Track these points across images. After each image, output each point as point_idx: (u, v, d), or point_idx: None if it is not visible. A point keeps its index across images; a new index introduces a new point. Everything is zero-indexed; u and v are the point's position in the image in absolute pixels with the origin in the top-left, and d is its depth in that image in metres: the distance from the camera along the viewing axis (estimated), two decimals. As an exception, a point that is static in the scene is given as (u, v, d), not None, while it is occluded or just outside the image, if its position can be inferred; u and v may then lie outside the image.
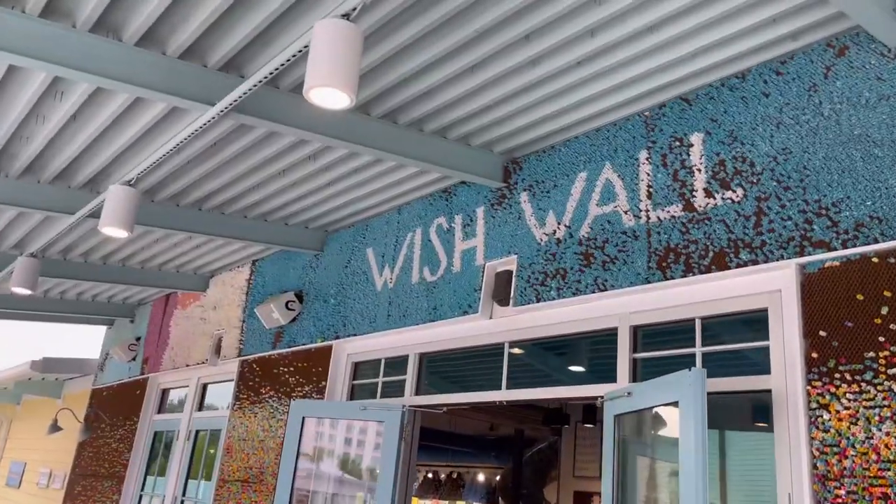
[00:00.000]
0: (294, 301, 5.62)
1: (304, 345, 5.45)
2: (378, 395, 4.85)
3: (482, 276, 4.14)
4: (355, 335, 5.01)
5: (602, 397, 3.34)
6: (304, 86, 2.44)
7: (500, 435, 10.92)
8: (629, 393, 3.07)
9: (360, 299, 5.06)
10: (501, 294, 4.00)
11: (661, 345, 3.39)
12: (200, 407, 6.82)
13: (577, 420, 9.82)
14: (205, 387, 6.88)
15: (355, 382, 5.11)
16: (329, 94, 2.43)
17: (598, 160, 3.73)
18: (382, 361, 4.91)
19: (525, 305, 3.84)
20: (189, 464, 6.57)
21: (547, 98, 3.58)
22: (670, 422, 2.99)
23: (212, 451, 6.36)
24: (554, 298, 3.70)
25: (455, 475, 12.08)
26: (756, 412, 4.42)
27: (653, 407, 2.95)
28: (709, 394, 2.91)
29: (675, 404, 2.75)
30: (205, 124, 3.41)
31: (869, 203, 2.65)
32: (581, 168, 3.81)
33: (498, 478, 11.36)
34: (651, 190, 3.43)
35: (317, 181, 4.64)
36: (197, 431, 6.71)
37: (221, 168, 4.43)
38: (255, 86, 3.12)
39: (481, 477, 11.62)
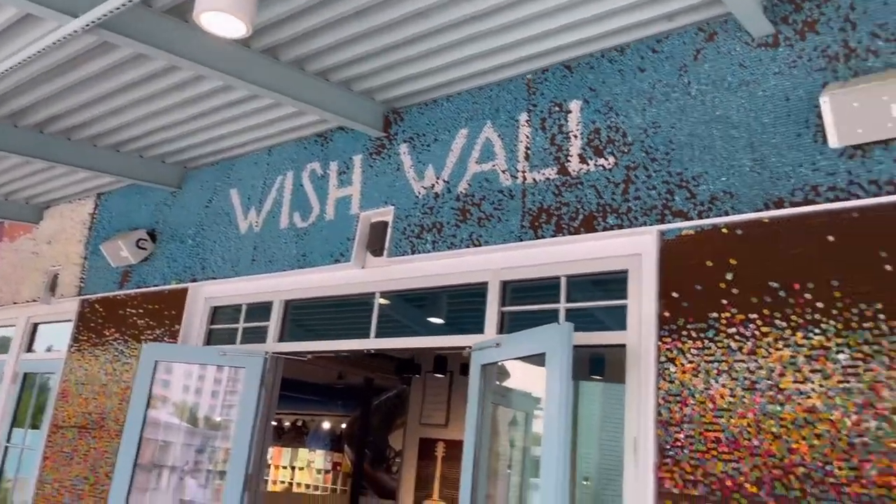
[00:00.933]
0: (146, 239, 5.28)
1: (156, 286, 5.15)
2: (238, 341, 4.72)
3: (356, 226, 4.11)
4: (215, 278, 4.81)
5: (470, 347, 3.47)
6: (194, 9, 2.27)
7: (349, 384, 11.00)
8: (498, 344, 3.22)
9: (222, 242, 4.84)
10: (375, 244, 4.00)
11: (528, 300, 3.57)
12: (30, 348, 6.27)
13: (427, 370, 10.11)
14: (35, 327, 6.32)
15: (213, 327, 4.93)
16: (223, 21, 2.28)
17: (480, 118, 3.80)
18: (244, 307, 4.77)
19: (400, 257, 3.87)
20: (16, 408, 6.05)
21: (433, 51, 3.58)
22: (532, 373, 3.19)
23: (43, 396, 5.89)
24: (429, 251, 3.76)
25: (299, 423, 12.06)
26: (595, 364, 4.83)
27: (520, 357, 3.12)
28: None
29: (542, 356, 2.92)
30: (64, 38, 3.06)
31: (724, 179, 2.93)
32: (463, 125, 3.86)
33: (344, 425, 11.49)
34: (529, 152, 3.56)
35: (181, 113, 4.34)
36: (25, 374, 6.17)
37: (74, 88, 4.02)
38: (127, 2, 2.85)
39: (326, 425, 11.70)
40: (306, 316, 4.73)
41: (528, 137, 3.59)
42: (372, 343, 4.03)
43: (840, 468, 2.42)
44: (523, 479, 3.83)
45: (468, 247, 3.63)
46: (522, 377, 3.64)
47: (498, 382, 3.64)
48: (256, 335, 4.61)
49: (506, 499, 3.71)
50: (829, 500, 2.42)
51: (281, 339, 4.47)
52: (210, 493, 4.51)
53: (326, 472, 11.61)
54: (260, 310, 4.67)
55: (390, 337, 4.08)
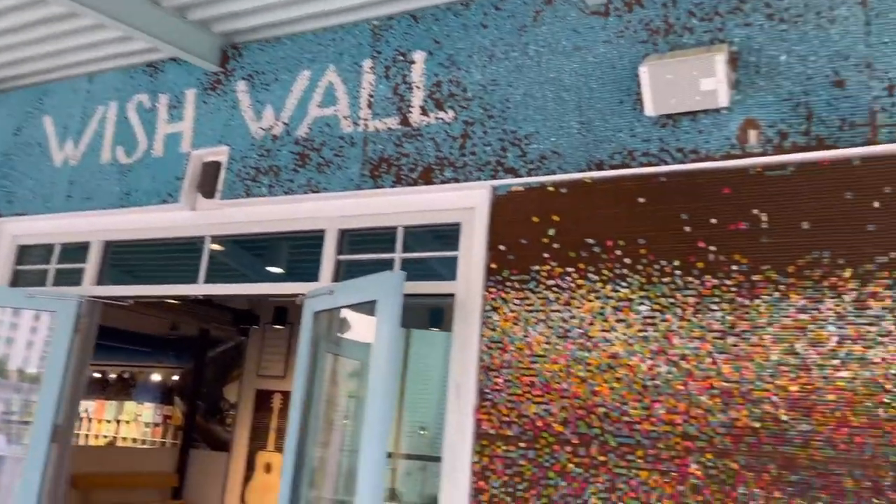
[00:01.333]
0: (-61, 168, 4.67)
1: (-49, 220, 4.60)
2: (49, 283, 4.34)
3: (187, 165, 3.88)
4: (23, 214, 4.37)
5: (304, 295, 3.43)
6: None
7: (183, 335, 10.54)
8: (331, 291, 3.21)
9: (33, 174, 4.40)
10: (207, 185, 3.81)
11: (366, 249, 3.57)
12: None
13: (266, 322, 9.90)
14: None
15: (20, 268, 4.49)
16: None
17: (323, 61, 3.70)
18: (57, 247, 4.38)
19: (233, 200, 3.72)
20: None
21: (277, -15, 3.42)
22: (364, 322, 3.21)
23: None
24: (265, 195, 3.64)
25: (126, 375, 11.41)
26: (435, 316, 4.97)
27: (352, 305, 3.13)
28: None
29: (374, 303, 2.95)
30: None
31: (553, 139, 3.07)
32: (305, 66, 3.74)
33: (176, 378, 11.01)
34: (372, 100, 3.52)
35: (-16, 25, 3.84)
36: None
37: None
38: None
39: (157, 377, 11.16)
40: (130, 259, 4.44)
41: (371, 85, 3.55)
42: (200, 289, 3.86)
43: (634, 408, 2.68)
44: (357, 428, 3.88)
45: (305, 192, 3.56)
46: (363, 328, 3.67)
47: (340, 334, 3.63)
48: (71, 278, 4.26)
49: (340, 446, 3.75)
50: (623, 436, 2.67)
51: (99, 282, 4.17)
52: (20, 447, 4.16)
53: (156, 425, 11.11)
54: (76, 251, 4.31)
55: (222, 283, 3.93)
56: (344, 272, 3.55)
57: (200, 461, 10.17)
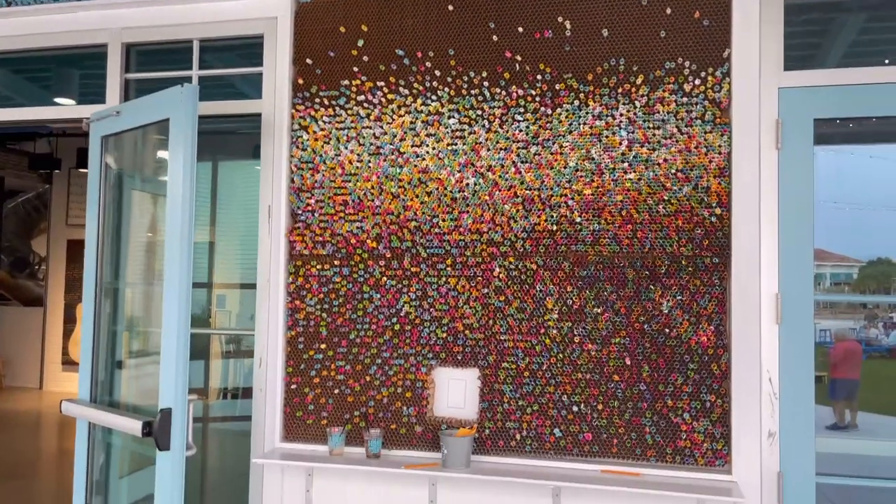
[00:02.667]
0: None
1: None
2: None
3: (-79, -37, 3.19)
4: None
5: (88, 118, 3.07)
6: None
7: (-27, 186, 9.39)
8: (118, 112, 2.89)
9: None
10: (-48, -10, 3.18)
11: (158, 67, 3.21)
12: None
13: (70, 166, 9.00)
14: None
15: None
16: None
17: None
18: None
19: (-13, 7, 3.15)
20: None
21: None
22: (160, 148, 2.95)
23: None
24: (29, 4, 3.11)
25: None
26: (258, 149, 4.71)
27: (143, 126, 2.84)
28: (207, 117, 2.96)
29: (167, 122, 2.69)
30: None
31: (359, -60, 2.83)
32: None
33: (-29, 233, 9.92)
34: None
35: None
36: None
37: None
38: None
39: (-51, 234, 10.00)
40: None
41: None
42: (-38, 116, 3.33)
43: (444, 220, 2.73)
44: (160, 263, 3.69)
45: (80, 0, 3.08)
46: (158, 154, 3.38)
47: (137, 164, 3.32)
48: None
49: (144, 279, 3.57)
50: (433, 247, 2.74)
51: None
52: None
53: (-46, 286, 10.10)
54: None
55: (-10, 110, 3.41)
56: (136, 92, 3.19)
57: (13, 318, 9.48)
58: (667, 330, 2.51)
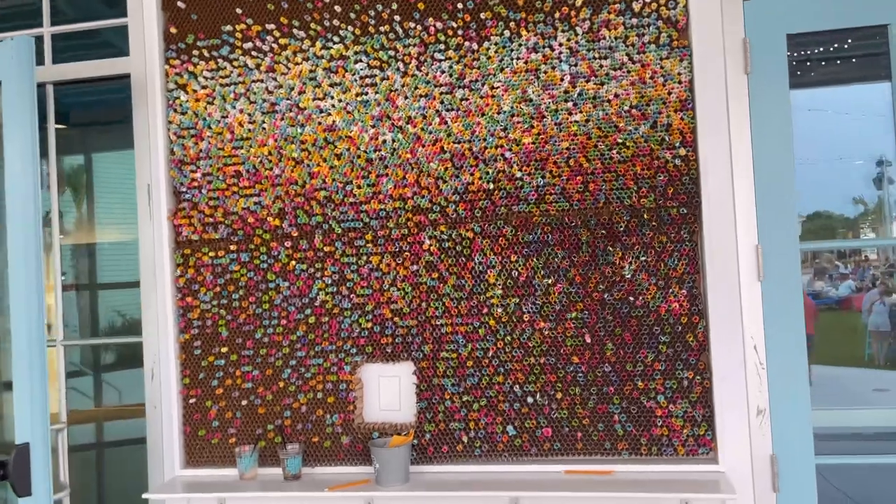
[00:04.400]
0: None
1: None
2: None
3: None
4: None
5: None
6: None
7: None
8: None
9: None
10: None
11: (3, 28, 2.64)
12: None
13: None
14: None
15: None
16: None
17: None
18: None
19: None
20: None
21: None
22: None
23: None
24: None
25: None
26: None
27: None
28: (64, 83, 2.43)
29: None
30: None
31: None
32: None
33: None
34: None
35: None
36: None
37: None
38: None
39: None
40: None
41: None
42: None
43: (359, 186, 2.27)
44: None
45: None
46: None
47: None
48: None
49: None
50: (349, 220, 2.27)
51: None
52: None
53: None
54: None
55: None
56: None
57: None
58: (631, 298, 2.10)
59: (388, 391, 2.27)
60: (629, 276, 2.10)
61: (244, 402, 2.32)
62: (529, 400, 2.15)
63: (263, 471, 2.28)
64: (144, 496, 2.17)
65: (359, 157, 2.26)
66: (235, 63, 2.35)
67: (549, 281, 2.14)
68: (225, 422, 2.33)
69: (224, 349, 2.33)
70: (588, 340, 2.12)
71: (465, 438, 2.18)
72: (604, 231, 2.11)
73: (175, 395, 2.35)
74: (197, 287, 2.36)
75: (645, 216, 2.09)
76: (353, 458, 2.25)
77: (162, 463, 2.37)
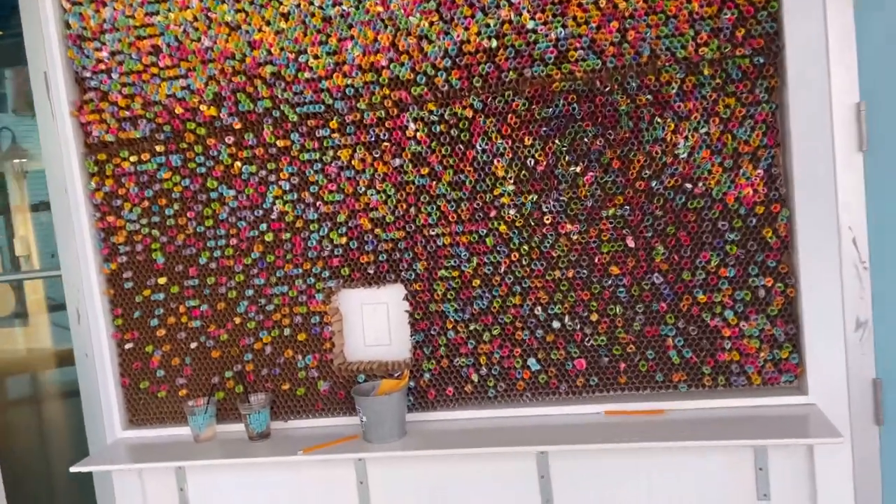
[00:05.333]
0: None
1: None
2: None
3: None
4: None
5: None
6: None
7: None
8: None
9: None
10: None
11: None
12: None
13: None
14: None
15: None
16: None
17: None
18: None
19: None
20: None
21: None
22: None
23: None
24: None
25: None
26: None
27: None
28: None
29: None
30: None
31: None
32: None
33: None
34: None
35: None
36: None
37: None
38: None
39: None
40: None
41: None
42: None
43: (316, 56, 1.69)
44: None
45: None
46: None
47: None
48: None
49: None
50: (306, 103, 1.71)
51: None
52: None
53: None
54: None
55: None
56: None
57: None
58: (688, 185, 1.57)
59: (374, 323, 1.78)
60: (684, 155, 1.56)
61: (193, 345, 1.83)
62: (556, 325, 1.66)
63: (224, 428, 1.83)
64: (73, 469, 1.72)
65: (312, 15, 1.68)
66: None
67: (577, 169, 1.60)
68: (172, 370, 1.85)
69: (161, 280, 1.83)
70: (631, 244, 1.60)
71: (474, 377, 1.71)
72: (649, 96, 1.56)
73: (106, 340, 1.86)
74: (119, 203, 1.83)
75: (705, 71, 1.53)
76: (335, 407, 1.78)
77: (103, 423, 1.91)
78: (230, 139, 1.75)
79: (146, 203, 1.81)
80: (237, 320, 1.80)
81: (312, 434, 1.74)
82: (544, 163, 1.61)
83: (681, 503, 1.60)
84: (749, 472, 1.59)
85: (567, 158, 1.60)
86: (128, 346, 1.86)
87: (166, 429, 1.86)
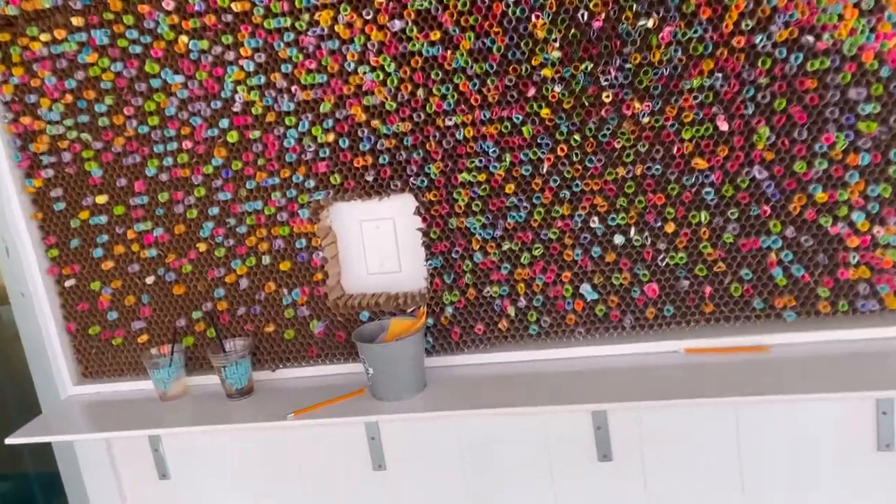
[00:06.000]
0: None
1: None
2: None
3: None
4: None
5: None
6: None
7: None
8: None
9: None
10: None
11: None
12: None
13: None
14: None
15: None
16: None
17: None
18: None
19: None
20: None
21: None
22: None
23: None
24: None
25: None
26: None
27: None
28: None
29: None
30: None
31: None
32: None
33: None
34: None
35: None
36: None
37: None
38: None
39: None
40: None
41: None
42: None
43: None
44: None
45: None
46: None
47: None
48: None
49: None
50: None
51: None
52: None
53: None
54: None
55: None
56: None
57: None
58: (808, 37, 1.11)
59: (378, 245, 1.38)
60: (805, -6, 1.10)
61: (150, 280, 1.44)
62: (618, 240, 1.25)
63: (197, 381, 1.46)
64: (9, 441, 1.37)
65: None
66: None
67: (649, 23, 1.14)
68: (126, 312, 1.47)
69: (101, 198, 1.41)
70: (723, 127, 1.16)
71: (511, 311, 1.31)
72: None
73: (41, 275, 1.47)
74: (35, 99, 1.39)
75: None
76: (334, 351, 1.41)
77: (52, 377, 1.56)
78: (170, 4, 1.29)
79: (69, 97, 1.38)
80: (201, 247, 1.40)
81: (306, 386, 1.37)
82: (602, 15, 1.15)
83: (779, 456, 1.25)
84: (870, 417, 1.23)
85: (635, 8, 1.14)
86: (68, 283, 1.47)
87: (129, 383, 1.50)
